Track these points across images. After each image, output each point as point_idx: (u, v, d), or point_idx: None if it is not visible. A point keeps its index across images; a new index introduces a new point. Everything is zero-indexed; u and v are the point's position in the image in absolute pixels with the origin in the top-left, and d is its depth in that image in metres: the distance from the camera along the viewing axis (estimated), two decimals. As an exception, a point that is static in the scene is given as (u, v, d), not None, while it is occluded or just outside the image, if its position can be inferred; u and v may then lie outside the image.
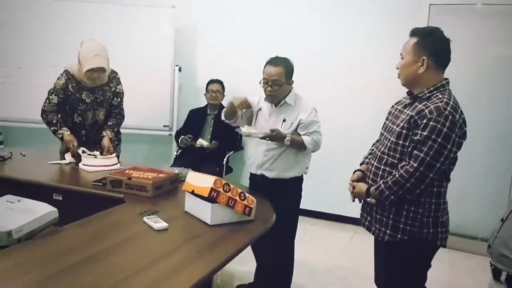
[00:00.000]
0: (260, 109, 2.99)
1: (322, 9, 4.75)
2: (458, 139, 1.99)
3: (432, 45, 2.05)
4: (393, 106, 2.29)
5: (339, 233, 4.48)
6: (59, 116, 3.38)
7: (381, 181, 2.09)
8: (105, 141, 3.37)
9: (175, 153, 4.87)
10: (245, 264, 3.23)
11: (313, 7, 4.80)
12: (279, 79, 2.80)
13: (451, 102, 1.99)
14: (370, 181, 2.19)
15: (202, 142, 4.46)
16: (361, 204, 2.32)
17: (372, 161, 2.22)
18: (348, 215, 4.55)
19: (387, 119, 2.26)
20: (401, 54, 2.12)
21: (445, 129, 1.93)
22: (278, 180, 2.87)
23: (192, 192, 2.19)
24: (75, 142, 3.28)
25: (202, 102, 4.90)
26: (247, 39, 5.04)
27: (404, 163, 2.03)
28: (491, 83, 4.25)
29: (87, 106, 3.39)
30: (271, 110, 2.93)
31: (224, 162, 4.58)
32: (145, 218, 2.08)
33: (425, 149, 1.95)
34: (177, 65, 5.02)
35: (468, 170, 4.24)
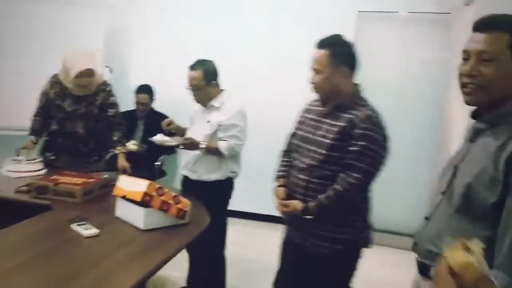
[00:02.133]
0: (191, 118, 3.03)
1: (255, 12, 4.81)
2: (385, 143, 2.03)
3: (345, 54, 2.08)
4: (302, 115, 2.25)
5: (272, 232, 4.54)
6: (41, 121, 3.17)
7: (323, 197, 2.01)
8: (122, 162, 3.12)
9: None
10: (178, 268, 3.19)
11: (246, 10, 4.84)
12: (197, 83, 2.83)
13: (374, 108, 2.05)
14: (299, 195, 2.10)
15: (130, 146, 4.28)
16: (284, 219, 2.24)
17: (297, 174, 2.13)
18: (280, 215, 4.60)
19: (299, 129, 2.21)
20: (315, 69, 2.08)
21: (378, 136, 1.97)
22: (200, 182, 2.86)
23: (124, 197, 2.14)
24: (33, 150, 3.10)
25: (134, 104, 4.79)
26: (179, 40, 4.99)
27: (343, 175, 1.99)
28: (415, 84, 4.50)
29: (66, 115, 3.12)
30: (200, 112, 2.95)
31: (157, 166, 4.50)
32: (74, 225, 2.01)
33: (364, 159, 1.95)
34: (107, 66, 4.87)
35: (395, 167, 4.45)
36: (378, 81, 4.58)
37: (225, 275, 3.11)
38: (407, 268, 1.72)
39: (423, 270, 1.51)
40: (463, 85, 1.42)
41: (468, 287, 0.63)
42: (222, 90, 2.95)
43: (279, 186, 2.22)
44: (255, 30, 4.80)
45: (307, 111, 2.24)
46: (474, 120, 1.51)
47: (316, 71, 2.07)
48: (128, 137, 4.52)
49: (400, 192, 4.47)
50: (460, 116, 3.96)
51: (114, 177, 2.78)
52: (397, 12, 4.44)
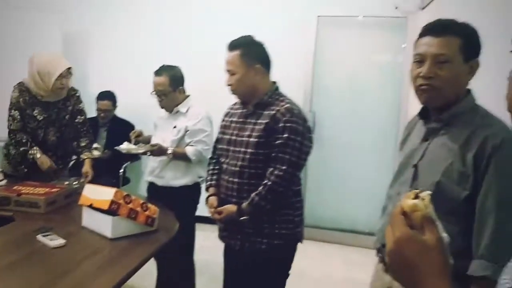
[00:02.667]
0: (155, 124, 3.01)
1: (218, 17, 4.81)
2: (309, 134, 2.10)
3: (257, 52, 2.13)
4: (224, 119, 2.28)
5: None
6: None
7: (253, 194, 2.04)
8: (87, 167, 3.04)
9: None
10: (147, 277, 3.15)
11: (208, 15, 4.84)
12: (163, 89, 2.82)
13: (293, 102, 2.12)
14: (234, 199, 2.11)
15: (92, 152, 4.13)
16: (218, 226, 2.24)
17: (229, 178, 2.13)
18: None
19: (224, 133, 2.22)
20: (229, 71, 2.13)
21: (300, 127, 2.03)
22: (167, 188, 2.85)
23: (90, 206, 2.11)
24: (50, 162, 2.97)
25: (95, 111, 4.70)
26: (140, 45, 4.94)
27: (271, 169, 2.03)
28: (373, 86, 4.62)
29: (38, 123, 3.00)
30: (166, 117, 2.94)
31: (120, 173, 4.44)
32: (39, 236, 1.96)
33: (289, 150, 2.00)
34: (66, 72, 4.76)
35: (357, 167, 4.57)
36: (338, 83, 4.69)
37: (194, 282, 3.10)
38: (373, 267, 1.77)
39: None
40: (419, 86, 1.48)
41: (415, 225, 0.76)
42: (188, 95, 2.95)
43: (211, 195, 2.23)
44: (218, 35, 4.80)
45: (229, 115, 2.28)
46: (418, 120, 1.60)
47: (231, 73, 2.12)
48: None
49: (365, 193, 4.57)
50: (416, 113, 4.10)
51: (75, 183, 2.74)
52: (356, 16, 4.55)
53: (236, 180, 2.10)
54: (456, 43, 1.42)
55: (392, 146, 4.49)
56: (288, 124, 2.01)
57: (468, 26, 1.47)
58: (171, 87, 2.82)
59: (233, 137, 2.14)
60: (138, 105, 4.20)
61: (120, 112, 4.59)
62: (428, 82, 1.44)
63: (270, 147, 2.03)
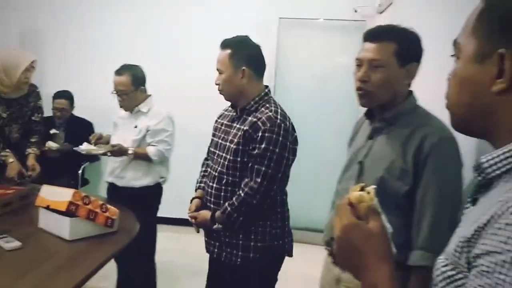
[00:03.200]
0: (115, 123, 2.97)
1: (178, 17, 4.78)
2: (291, 145, 1.99)
3: (247, 54, 2.03)
4: (216, 121, 2.22)
5: (203, 238, 4.54)
6: None
7: (226, 204, 1.97)
8: (32, 159, 2.98)
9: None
10: (107, 279, 3.11)
11: (169, 14, 4.80)
12: (125, 89, 2.79)
13: (279, 110, 2.00)
14: (211, 204, 2.06)
15: (51, 144, 3.73)
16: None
17: (210, 183, 2.08)
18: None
19: (214, 135, 2.17)
20: (218, 69, 2.05)
21: (280, 138, 1.92)
22: (128, 188, 2.82)
23: (48, 207, 2.06)
24: (19, 170, 2.88)
25: (50, 111, 4.58)
26: (99, 44, 4.85)
27: (246, 180, 1.95)
28: (334, 87, 4.71)
29: (3, 121, 2.92)
30: (126, 117, 2.91)
31: (79, 174, 4.34)
32: (-7, 239, 1.91)
33: (266, 162, 1.91)
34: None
35: (320, 166, 4.64)
36: (300, 84, 4.76)
37: (156, 284, 3.07)
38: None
39: None
40: (357, 89, 1.57)
41: (361, 215, 0.82)
42: (149, 95, 2.92)
43: (195, 197, 2.19)
44: (178, 34, 4.79)
45: (221, 116, 2.22)
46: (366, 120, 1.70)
47: (219, 71, 2.05)
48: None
49: (330, 191, 4.63)
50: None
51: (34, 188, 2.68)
52: (317, 19, 4.63)
53: (213, 185, 2.05)
54: (391, 48, 1.50)
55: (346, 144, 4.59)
56: (267, 134, 1.92)
57: (405, 32, 1.55)
58: (132, 86, 2.80)
59: (220, 141, 2.09)
60: (97, 104, 4.13)
61: (79, 112, 4.49)
62: (363, 85, 1.54)
63: (247, 155, 1.96)
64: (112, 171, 2.88)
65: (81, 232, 2.02)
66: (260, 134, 1.92)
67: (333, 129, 4.69)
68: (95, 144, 2.85)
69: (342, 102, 4.68)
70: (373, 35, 1.56)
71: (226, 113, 2.19)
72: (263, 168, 1.92)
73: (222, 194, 2.02)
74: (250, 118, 1.98)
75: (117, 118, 2.99)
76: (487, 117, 0.72)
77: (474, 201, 0.77)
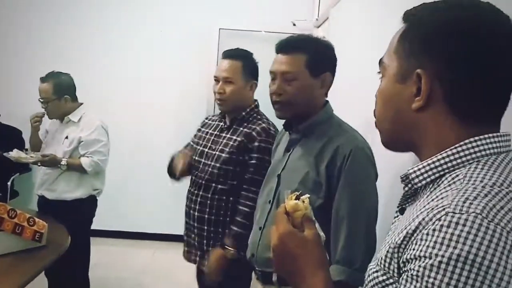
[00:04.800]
0: (46, 131, 2.85)
1: (118, 24, 4.68)
2: None
3: (255, 67, 2.17)
4: (200, 129, 2.21)
5: (141, 250, 4.44)
6: None
7: (232, 226, 1.93)
8: None
9: None
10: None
11: (109, 20, 4.68)
12: (47, 97, 2.72)
13: (271, 122, 2.09)
14: (197, 213, 2.04)
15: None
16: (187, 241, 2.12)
17: (194, 190, 2.07)
18: (148, 232, 4.57)
19: (198, 144, 2.15)
20: (225, 78, 2.04)
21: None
22: (59, 201, 2.71)
23: (-31, 221, 1.94)
24: None
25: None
26: (30, 48, 4.64)
27: (244, 193, 1.96)
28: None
29: None
30: (57, 126, 2.81)
31: (8, 186, 4.12)
32: None
33: (263, 171, 1.83)
34: None
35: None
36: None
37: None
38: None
39: (265, 278, 1.58)
40: (273, 103, 1.60)
41: (296, 224, 0.85)
42: (80, 104, 2.83)
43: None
44: (118, 42, 4.68)
45: (205, 125, 2.22)
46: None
47: (227, 80, 2.04)
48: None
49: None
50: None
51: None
52: (257, 31, 4.68)
53: (200, 193, 2.04)
54: (302, 60, 1.52)
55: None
56: (263, 145, 1.96)
57: (317, 42, 1.59)
58: (54, 95, 2.70)
59: (206, 149, 2.08)
60: (26, 111, 3.95)
61: (6, 119, 4.27)
62: (278, 99, 1.57)
63: (239, 165, 1.98)
64: (42, 183, 2.75)
65: (6, 246, 1.92)
66: (256, 144, 1.97)
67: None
68: (25, 148, 2.72)
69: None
70: (284, 47, 1.57)
71: (210, 122, 2.21)
72: (261, 179, 1.80)
73: (209, 202, 2.02)
74: (242, 129, 2.03)
75: (49, 125, 2.88)
76: (411, 132, 0.76)
77: (402, 211, 0.80)
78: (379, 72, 0.82)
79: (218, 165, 2.00)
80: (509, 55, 0.71)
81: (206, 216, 2.02)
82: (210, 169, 2.03)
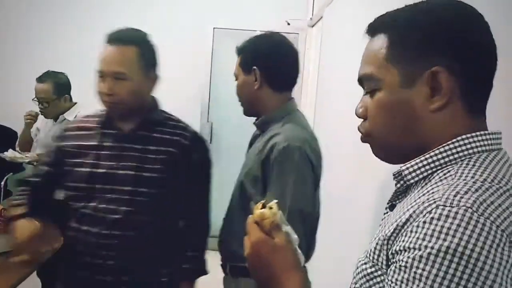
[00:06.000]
0: (38, 129, 2.84)
1: (112, 24, 4.66)
2: None
3: (154, 54, 1.74)
4: (65, 144, 1.69)
5: None
6: None
7: (189, 252, 1.69)
8: None
9: None
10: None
11: (105, 20, 4.66)
12: (46, 96, 2.71)
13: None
14: (112, 262, 1.57)
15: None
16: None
17: (102, 231, 1.56)
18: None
19: (75, 164, 1.63)
20: (116, 72, 1.56)
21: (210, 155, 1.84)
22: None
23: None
24: None
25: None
26: (18, 46, 4.62)
27: (194, 209, 1.74)
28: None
29: None
30: (50, 125, 2.80)
31: (1, 185, 4.09)
32: None
33: (210, 187, 1.80)
34: None
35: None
36: (234, 95, 4.77)
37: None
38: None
39: (234, 271, 1.59)
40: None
41: (266, 231, 0.88)
42: (75, 103, 2.82)
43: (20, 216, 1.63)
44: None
45: (74, 137, 1.65)
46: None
47: (119, 77, 1.54)
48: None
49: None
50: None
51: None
52: (250, 30, 4.68)
53: (117, 233, 1.54)
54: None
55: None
56: (204, 155, 1.72)
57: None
58: (54, 94, 2.69)
59: (101, 170, 1.57)
60: (20, 112, 3.93)
61: (1, 120, 4.24)
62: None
63: (173, 185, 1.61)
64: None
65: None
66: (195, 155, 1.67)
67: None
68: (20, 148, 2.71)
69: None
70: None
71: (87, 132, 1.66)
72: (205, 193, 1.71)
73: (126, 243, 1.56)
74: (161, 136, 1.62)
75: (41, 123, 2.87)
76: (424, 136, 0.75)
77: (392, 207, 0.81)
78: (373, 90, 0.80)
79: (141, 189, 1.57)
80: (493, 45, 0.74)
81: (113, 264, 1.58)
82: (127, 196, 1.57)
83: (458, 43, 0.72)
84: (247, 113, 1.71)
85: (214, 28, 4.61)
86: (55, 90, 2.70)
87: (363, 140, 0.85)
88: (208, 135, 4.65)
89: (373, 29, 0.80)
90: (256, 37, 1.71)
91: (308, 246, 1.52)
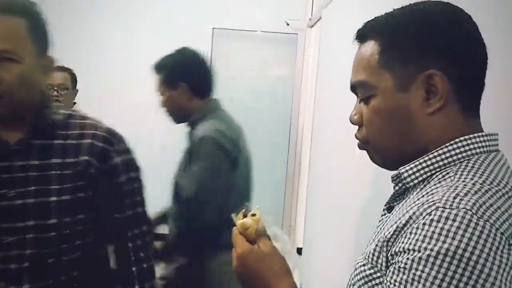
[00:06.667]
0: None
1: (112, 23, 4.67)
2: None
3: (45, 31, 1.29)
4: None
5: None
6: None
7: (133, 269, 1.27)
8: None
9: None
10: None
11: (105, 19, 4.68)
12: (67, 83, 2.77)
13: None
14: None
15: None
16: None
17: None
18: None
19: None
20: (6, 51, 1.18)
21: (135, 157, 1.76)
22: None
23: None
24: None
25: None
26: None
27: (129, 233, 1.26)
28: (266, 99, 4.80)
29: None
30: None
31: None
32: None
33: (139, 199, 1.36)
34: None
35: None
36: (233, 96, 4.78)
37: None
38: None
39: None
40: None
41: (252, 240, 0.88)
42: (74, 103, 2.84)
43: None
44: (112, 41, 4.67)
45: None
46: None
47: (3, 55, 1.10)
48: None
49: (255, 200, 4.68)
50: (306, 126, 4.32)
51: None
52: (249, 30, 4.68)
53: (26, 287, 1.11)
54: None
55: (284, 156, 4.67)
56: (128, 157, 1.28)
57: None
58: (72, 84, 2.79)
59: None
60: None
61: None
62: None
63: (96, 206, 1.19)
64: None
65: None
66: (117, 159, 1.24)
67: (263, 138, 4.75)
68: None
69: (274, 115, 4.77)
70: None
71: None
72: (140, 210, 1.30)
73: None
74: (63, 142, 1.18)
75: None
76: (421, 140, 0.76)
77: (390, 209, 0.81)
78: (368, 97, 0.80)
79: (50, 221, 1.13)
80: (483, 45, 0.75)
81: None
82: (32, 235, 1.13)
83: (450, 45, 0.73)
84: (177, 122, 1.93)
85: (213, 28, 4.60)
86: (72, 81, 2.78)
87: (361, 147, 0.85)
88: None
89: (362, 35, 0.81)
90: (171, 55, 1.92)
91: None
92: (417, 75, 0.73)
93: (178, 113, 1.89)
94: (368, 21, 0.81)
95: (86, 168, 1.16)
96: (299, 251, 4.11)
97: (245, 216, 0.90)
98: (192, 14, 4.63)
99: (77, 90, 2.84)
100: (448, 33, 0.73)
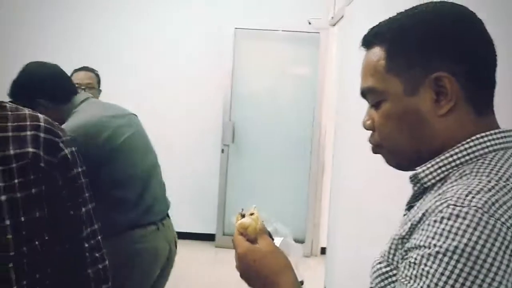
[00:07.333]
0: None
1: (136, 25, 4.74)
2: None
3: None
4: None
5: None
6: None
7: None
8: None
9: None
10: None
11: (128, 23, 4.75)
12: (92, 82, 2.83)
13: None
14: None
15: None
16: None
17: None
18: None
19: None
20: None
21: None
22: None
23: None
24: None
25: None
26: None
27: (83, 233, 1.12)
28: (289, 97, 4.80)
29: None
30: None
31: None
32: None
33: (87, 194, 1.22)
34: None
35: (275, 175, 4.69)
36: (256, 94, 4.80)
37: None
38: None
39: None
40: None
41: (253, 240, 0.88)
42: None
43: None
44: (136, 44, 4.74)
45: None
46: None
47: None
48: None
49: (283, 200, 4.69)
50: (329, 125, 4.30)
51: None
52: (271, 30, 4.69)
53: None
54: None
55: (307, 155, 4.67)
56: (72, 149, 1.07)
57: None
58: (97, 84, 2.86)
59: None
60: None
61: None
62: None
63: (50, 204, 1.01)
64: None
65: None
66: (63, 153, 1.04)
67: (286, 137, 4.77)
68: None
69: (297, 112, 4.77)
70: None
71: None
72: (84, 209, 1.10)
73: None
74: (6, 134, 0.98)
75: None
76: (433, 142, 0.76)
77: (410, 209, 0.82)
78: (371, 102, 0.81)
79: (6, 222, 0.93)
80: (491, 41, 0.75)
81: None
82: None
83: (455, 45, 0.73)
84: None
85: (235, 28, 4.63)
86: (97, 81, 2.84)
87: (374, 151, 0.86)
88: (231, 134, 4.68)
89: (368, 42, 0.81)
90: (27, 72, 1.78)
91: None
92: (424, 78, 0.73)
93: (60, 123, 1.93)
94: (373, 27, 0.81)
95: (32, 161, 0.97)
96: (323, 250, 4.10)
97: (243, 216, 0.90)
98: (214, 14, 4.67)
99: (101, 90, 2.91)
100: (451, 33, 0.73)
